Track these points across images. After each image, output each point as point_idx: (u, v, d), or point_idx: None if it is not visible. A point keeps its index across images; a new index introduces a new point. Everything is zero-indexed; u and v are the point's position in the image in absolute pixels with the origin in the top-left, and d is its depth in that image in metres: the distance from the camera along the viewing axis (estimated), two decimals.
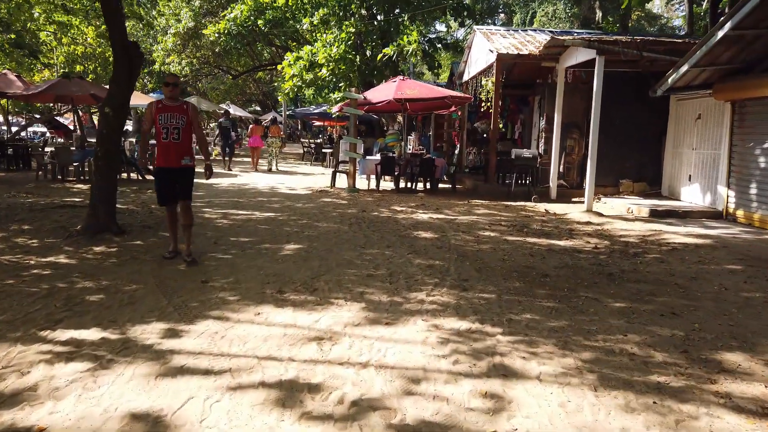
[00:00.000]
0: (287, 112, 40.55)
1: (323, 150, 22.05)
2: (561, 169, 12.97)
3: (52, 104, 21.03)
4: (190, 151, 6.49)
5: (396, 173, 13.49)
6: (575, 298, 5.28)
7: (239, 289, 5.27)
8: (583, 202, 12.34)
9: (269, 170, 19.07)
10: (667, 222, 9.91)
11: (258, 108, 48.32)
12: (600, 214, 10.51)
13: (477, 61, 15.14)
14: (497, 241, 7.88)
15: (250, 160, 21.66)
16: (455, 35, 33.14)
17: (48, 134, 28.04)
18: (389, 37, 18.83)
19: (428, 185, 13.94)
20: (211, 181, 14.97)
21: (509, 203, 11.90)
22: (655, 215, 10.45)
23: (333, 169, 13.86)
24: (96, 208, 7.54)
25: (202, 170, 7.01)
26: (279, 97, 18.17)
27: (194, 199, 11.19)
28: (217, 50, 23.03)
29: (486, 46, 13.65)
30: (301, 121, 51.97)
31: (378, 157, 13.81)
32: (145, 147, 7.60)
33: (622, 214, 10.93)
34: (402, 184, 13.85)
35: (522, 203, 11.98)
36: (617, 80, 12.03)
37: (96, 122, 31.98)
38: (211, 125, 42.81)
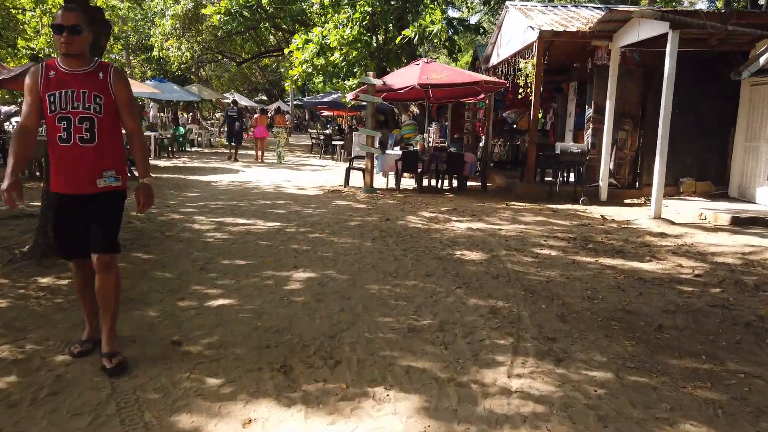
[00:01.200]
0: (294, 102, 38.71)
1: (333, 142, 20.23)
2: (611, 166, 11.11)
3: None
4: (113, 161, 3.50)
5: (419, 170, 11.67)
6: (726, 374, 3.49)
7: (224, 363, 3.50)
8: (638, 205, 10.52)
9: (280, 161, 18.18)
10: (757, 233, 8.05)
11: (264, 97, 46.49)
12: (670, 222, 8.67)
13: (510, 42, 13.25)
14: (564, 264, 6.07)
15: (254, 152, 20.00)
16: (469, 19, 31.02)
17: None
18: (405, 18, 16.96)
19: (455, 184, 12.12)
20: (211, 178, 13.26)
21: (554, 206, 10.07)
22: (738, 223, 8.60)
23: (347, 166, 12.07)
24: (48, 222, 5.78)
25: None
26: (286, 86, 16.16)
27: (186, 204, 9.53)
28: (219, 34, 21.18)
29: (523, 24, 11.76)
30: (309, 111, 50.17)
31: (398, 151, 11.99)
32: (25, 152, 3.33)
33: (696, 221, 9.08)
34: (425, 182, 12.04)
35: (569, 206, 10.14)
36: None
37: None
38: (217, 115, 41.08)
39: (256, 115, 20.58)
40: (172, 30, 20.36)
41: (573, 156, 10.43)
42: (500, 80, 11.66)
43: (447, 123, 18.02)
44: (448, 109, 19.29)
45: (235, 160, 18.01)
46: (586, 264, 6.11)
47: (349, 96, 12.54)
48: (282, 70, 19.41)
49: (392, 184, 12.50)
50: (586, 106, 11.72)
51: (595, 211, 9.76)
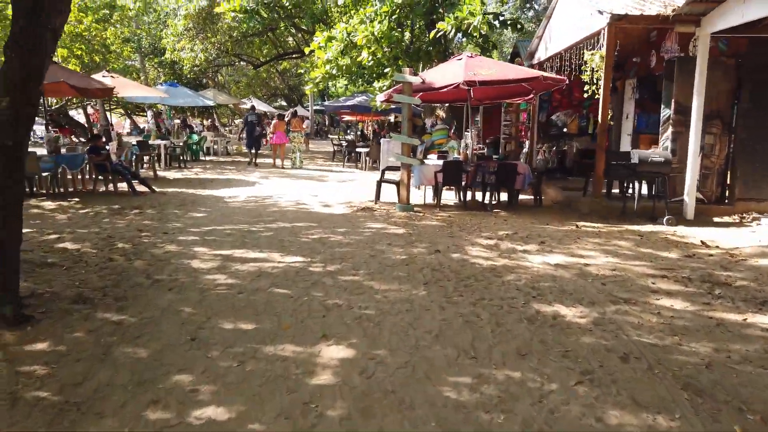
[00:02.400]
0: (314, 107, 37.13)
1: (357, 149, 18.48)
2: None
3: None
4: None
5: (463, 183, 9.85)
6: None
7: None
8: (734, 225, 8.58)
9: (299, 166, 17.36)
10: None
11: (283, 103, 45.02)
12: None
13: (564, 33, 11.38)
14: (707, 328, 4.21)
15: (272, 160, 18.40)
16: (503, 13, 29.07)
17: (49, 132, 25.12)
18: (436, 11, 15.20)
19: (499, 198, 10.26)
20: (225, 193, 11.59)
21: (634, 228, 8.18)
22: None
23: (377, 178, 10.30)
24: None
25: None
26: (307, 89, 14.49)
27: (188, 230, 7.83)
28: (234, 34, 19.62)
29: (585, 9, 9.89)
30: (329, 117, 48.62)
31: (438, 161, 10.18)
32: None
33: None
34: (468, 196, 10.21)
35: (652, 227, 8.24)
36: None
37: (108, 119, 28.92)
38: (236, 122, 39.66)
39: (274, 121, 18.98)
40: (184, 30, 18.83)
41: (654, 166, 8.52)
42: (559, 77, 9.80)
43: (474, 128, 16.17)
44: (478, 111, 17.49)
45: (255, 165, 17.48)
46: (736, 327, 4.24)
47: (380, 98, 10.80)
48: (303, 71, 17.81)
49: (430, 198, 10.71)
50: (663, 106, 9.80)
51: (687, 233, 7.84)
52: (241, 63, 28.50)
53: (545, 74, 9.67)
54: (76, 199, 10.14)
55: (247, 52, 24.40)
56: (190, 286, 5.08)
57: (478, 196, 10.39)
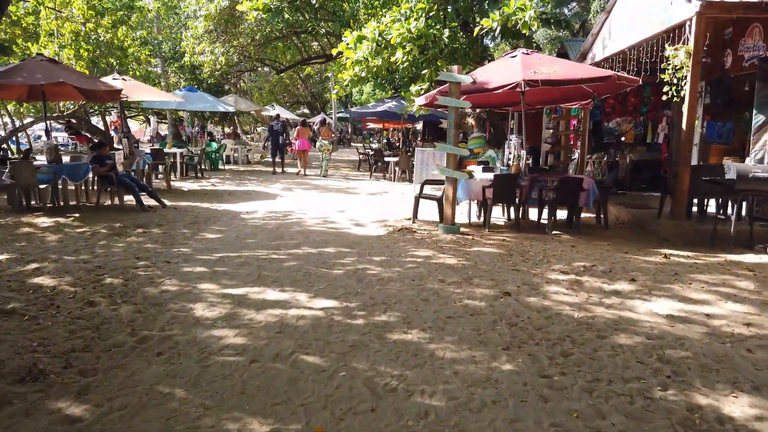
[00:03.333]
0: (338, 114, 35.93)
1: (385, 159, 17.10)
2: None
3: (64, 103, 16.76)
4: None
5: (517, 200, 8.39)
6: None
7: None
8: None
9: (324, 174, 16.77)
10: None
11: (306, 110, 43.94)
12: None
13: (629, 29, 9.87)
14: None
15: (297, 170, 17.23)
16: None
17: (63, 140, 24.19)
18: (477, 6, 13.81)
19: (552, 217, 8.76)
20: (243, 207, 10.28)
21: (737, 258, 6.63)
22: None
23: (415, 194, 8.88)
24: None
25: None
26: (334, 92, 13.18)
27: (196, 258, 6.51)
28: (257, 37, 18.43)
29: (661, 1, 8.39)
30: (351, 124, 47.38)
31: (486, 174, 8.73)
32: None
33: None
34: (515, 213, 8.74)
35: (756, 258, 6.68)
36: None
37: (129, 127, 27.93)
38: (258, 130, 38.63)
39: (297, 128, 17.83)
40: (205, 33, 17.69)
41: (759, 183, 6.95)
42: (633, 77, 8.27)
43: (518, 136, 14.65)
44: (513, 117, 16.00)
45: (282, 172, 17.34)
46: None
47: (420, 101, 9.40)
48: (330, 74, 16.57)
49: (473, 215, 9.27)
50: (755, 111, 8.25)
51: None
52: (264, 69, 27.37)
53: (619, 74, 8.16)
54: (75, 215, 8.91)
55: (270, 57, 23.23)
56: (186, 348, 3.72)
57: (531, 214, 8.91)
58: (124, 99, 11.09)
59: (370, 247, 7.03)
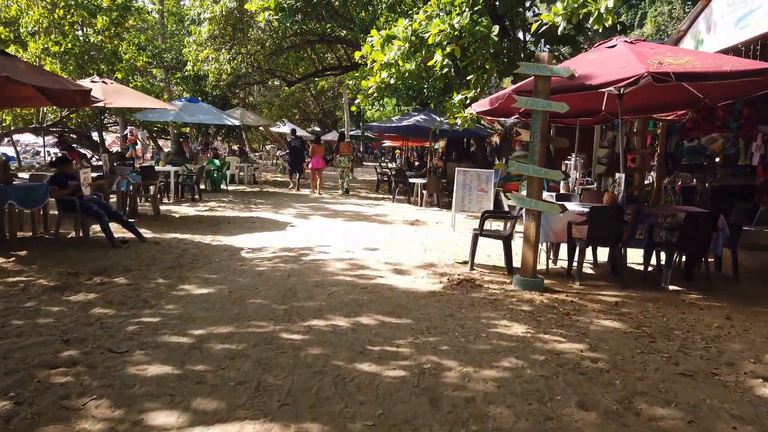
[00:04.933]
0: (350, 132, 33.73)
1: (411, 180, 14.74)
2: None
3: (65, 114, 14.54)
4: None
5: (617, 239, 5.99)
6: None
7: None
8: None
9: (345, 192, 15.71)
10: None
11: (317, 128, 41.84)
12: None
13: (744, 23, 7.53)
14: None
15: (310, 190, 15.05)
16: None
17: (52, 156, 22.02)
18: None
19: (670, 266, 6.34)
20: (246, 241, 7.88)
21: None
22: None
23: (473, 233, 6.48)
24: None
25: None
26: (356, 102, 10.92)
27: (166, 325, 3.98)
28: (267, 44, 16.26)
29: None
30: (362, 143, 45.18)
31: (576, 206, 6.34)
32: None
33: None
34: (615, 260, 6.32)
35: None
36: None
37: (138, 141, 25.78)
38: (268, 147, 36.48)
39: (312, 145, 15.74)
40: (209, 38, 15.53)
41: None
42: None
43: (581, 156, 12.42)
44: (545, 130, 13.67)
45: (297, 190, 16.23)
46: None
47: (477, 108, 7.07)
48: (346, 87, 14.42)
49: (549, 259, 6.89)
50: None
51: None
52: (275, 82, 25.24)
53: None
54: (21, 254, 6.59)
55: (281, 68, 21.09)
56: None
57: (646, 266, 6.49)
58: (101, 105, 8.83)
59: (426, 315, 4.65)
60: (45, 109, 14.98)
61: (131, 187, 10.02)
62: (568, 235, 6.20)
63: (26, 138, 37.42)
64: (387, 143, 30.86)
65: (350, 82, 16.07)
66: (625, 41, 6.16)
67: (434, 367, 3.52)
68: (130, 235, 7.61)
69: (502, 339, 4.08)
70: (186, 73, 17.86)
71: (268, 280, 5.74)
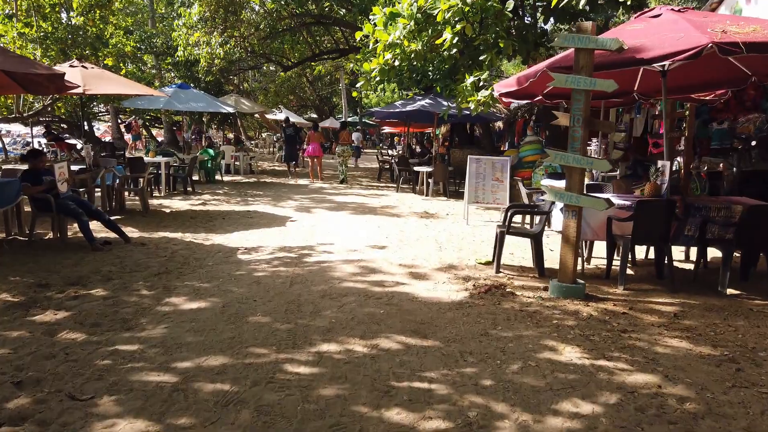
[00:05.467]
0: (348, 118, 32.78)
1: (416, 168, 13.92)
2: None
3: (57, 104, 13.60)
4: None
5: (667, 237, 5.22)
6: None
7: None
8: None
9: (343, 181, 15.00)
10: None
11: (314, 115, 40.82)
12: None
13: None
14: None
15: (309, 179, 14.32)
16: None
17: (42, 146, 21.10)
18: None
19: (727, 267, 5.60)
20: (242, 239, 7.05)
21: None
22: None
23: (498, 230, 5.69)
24: None
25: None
26: (359, 87, 10.03)
27: (145, 354, 3.15)
28: (261, 26, 15.32)
29: None
30: (361, 130, 44.11)
31: (617, 200, 5.55)
32: None
33: None
34: (659, 259, 5.58)
35: None
36: None
37: (122, 131, 24.86)
38: (264, 135, 35.50)
39: (309, 132, 14.98)
40: (199, 20, 14.59)
41: None
42: None
43: (603, 140, 11.63)
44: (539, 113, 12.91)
45: (294, 176, 16.18)
46: None
47: (500, 89, 6.24)
48: (352, 64, 13.47)
49: (593, 260, 6.12)
50: None
51: None
52: (270, 67, 24.25)
53: None
54: None
55: (277, 53, 20.12)
56: None
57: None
58: (80, 92, 7.97)
59: (456, 334, 3.89)
60: (30, 98, 14.09)
61: (117, 181, 9.20)
62: (608, 231, 5.43)
63: (17, 128, 36.34)
64: (387, 129, 29.95)
65: (351, 65, 15.18)
66: (671, 9, 5.35)
67: (481, 415, 2.77)
68: (113, 235, 6.81)
69: (556, 369, 3.32)
70: (177, 58, 16.90)
71: (268, 289, 4.97)
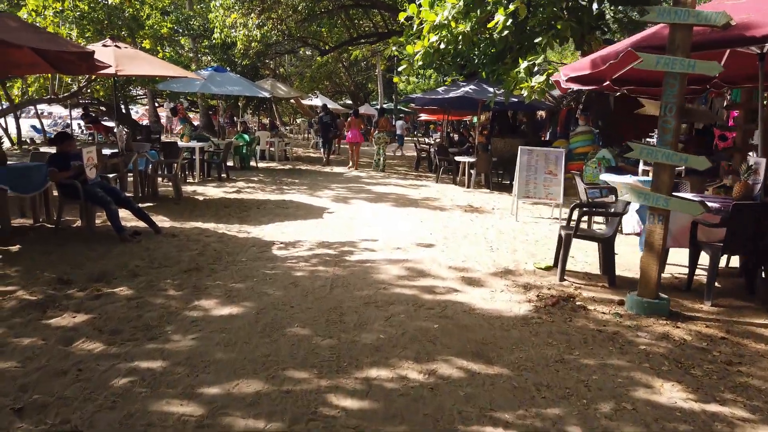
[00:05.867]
0: (383, 105, 32.12)
1: (457, 158, 13.24)
2: None
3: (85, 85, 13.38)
4: None
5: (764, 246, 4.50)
6: None
7: None
8: None
9: (381, 170, 14.56)
10: None
11: (349, 101, 40.28)
12: None
13: None
14: None
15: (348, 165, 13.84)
16: None
17: (81, 129, 21.13)
18: None
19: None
20: (278, 232, 6.52)
21: None
22: None
23: (564, 232, 5.03)
24: None
25: None
26: (401, 71, 9.39)
27: (167, 375, 2.56)
28: (300, 8, 14.79)
29: None
30: (394, 117, 43.39)
31: (714, 203, 4.83)
32: None
33: None
34: (752, 271, 4.85)
35: None
36: None
37: (158, 115, 24.77)
38: (298, 121, 35.13)
39: (350, 118, 14.51)
40: (237, 1, 14.12)
41: None
42: None
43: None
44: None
45: (327, 163, 15.72)
46: None
47: (570, 73, 5.51)
48: (395, 47, 12.94)
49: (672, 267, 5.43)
50: None
51: None
52: (306, 52, 23.73)
53: None
54: (15, 249, 5.46)
55: (314, 37, 19.58)
56: None
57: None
58: (113, 72, 7.57)
59: (527, 360, 3.29)
60: (67, 79, 13.91)
61: (150, 167, 8.83)
62: (691, 238, 4.73)
63: (58, 110, 36.83)
64: (423, 117, 29.18)
65: (389, 51, 14.53)
66: None
67: None
68: (143, 224, 6.41)
69: (660, 415, 2.70)
70: (213, 41, 16.51)
71: (306, 292, 4.45)
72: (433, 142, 20.99)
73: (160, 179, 9.72)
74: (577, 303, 4.37)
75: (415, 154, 17.89)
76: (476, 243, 6.52)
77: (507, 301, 4.41)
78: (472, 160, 12.51)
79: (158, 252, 5.57)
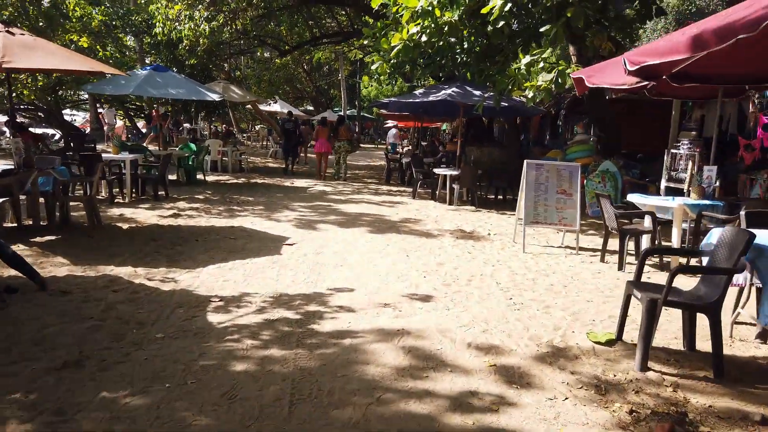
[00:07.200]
0: (347, 111, 30.27)
1: (435, 171, 11.50)
2: None
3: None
4: None
5: None
6: None
7: None
8: None
9: (344, 179, 13.63)
10: None
11: (310, 107, 38.25)
12: None
13: None
14: None
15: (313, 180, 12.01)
16: None
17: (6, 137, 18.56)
18: None
19: None
20: (217, 281, 4.56)
21: None
22: None
23: (641, 294, 3.34)
24: None
25: None
26: (374, 69, 7.65)
27: None
28: (255, 1, 12.85)
29: None
30: (358, 124, 41.56)
31: None
32: None
33: None
34: None
35: None
36: None
37: (102, 121, 22.45)
38: (257, 128, 32.85)
39: (317, 127, 12.82)
40: None
41: None
42: None
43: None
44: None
45: (292, 172, 14.67)
46: None
47: (638, 61, 3.89)
48: (366, 41, 11.07)
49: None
50: None
51: None
52: (265, 53, 21.70)
53: None
54: None
55: (273, 35, 17.62)
56: None
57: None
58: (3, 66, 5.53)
59: None
60: None
61: (53, 187, 6.76)
62: None
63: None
64: (390, 123, 27.51)
65: (364, 42, 12.77)
66: None
67: None
68: (23, 277, 4.42)
69: None
70: (157, 38, 14.37)
71: (249, 417, 2.61)
72: (403, 151, 19.29)
73: (75, 202, 7.62)
74: (690, 419, 2.66)
75: (380, 163, 16.16)
76: (489, 293, 4.78)
77: (580, 420, 2.68)
78: (454, 173, 10.83)
79: (28, 327, 3.62)
